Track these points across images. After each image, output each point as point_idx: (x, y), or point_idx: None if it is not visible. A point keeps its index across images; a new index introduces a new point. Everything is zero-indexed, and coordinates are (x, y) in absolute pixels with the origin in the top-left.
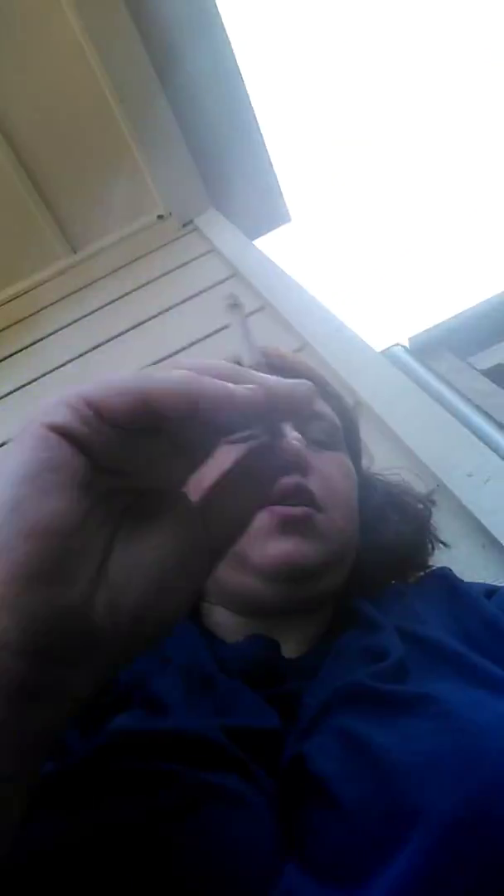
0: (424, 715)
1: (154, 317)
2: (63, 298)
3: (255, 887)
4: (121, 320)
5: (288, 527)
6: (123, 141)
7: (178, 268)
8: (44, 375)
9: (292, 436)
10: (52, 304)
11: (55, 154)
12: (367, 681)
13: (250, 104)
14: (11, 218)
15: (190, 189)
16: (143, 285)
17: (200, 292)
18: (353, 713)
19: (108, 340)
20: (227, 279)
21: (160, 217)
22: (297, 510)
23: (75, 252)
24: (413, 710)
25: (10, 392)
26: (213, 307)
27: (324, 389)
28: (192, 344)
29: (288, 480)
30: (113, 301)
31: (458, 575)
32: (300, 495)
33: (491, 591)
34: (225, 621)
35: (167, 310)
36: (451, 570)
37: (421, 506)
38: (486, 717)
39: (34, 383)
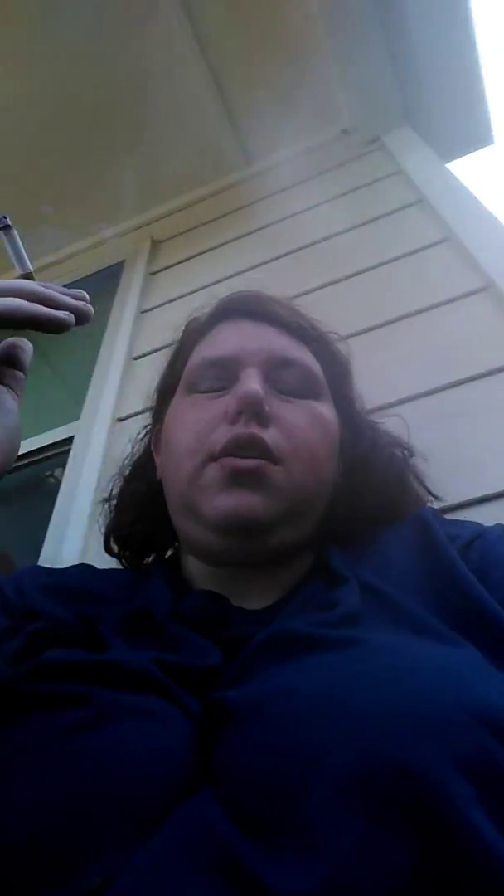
0: (345, 655)
1: (326, 238)
2: (232, 212)
3: (163, 794)
4: (290, 239)
5: (237, 479)
6: (314, 40)
7: (356, 189)
8: (204, 288)
9: (248, 384)
10: (220, 218)
11: (240, 52)
12: (303, 626)
13: (468, 3)
14: (188, 122)
15: (382, 102)
16: (317, 205)
17: (379, 217)
18: (281, 656)
19: (276, 258)
20: (411, 205)
21: (344, 132)
22: (247, 462)
23: (249, 164)
24: (336, 651)
25: (173, 300)
26: (391, 234)
27: (304, 333)
28: (364, 271)
29: (243, 431)
30: (284, 219)
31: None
32: (254, 447)
33: (475, 536)
34: (196, 571)
35: (340, 233)
36: (433, 512)
37: (408, 455)
38: (408, 662)
39: (193, 294)
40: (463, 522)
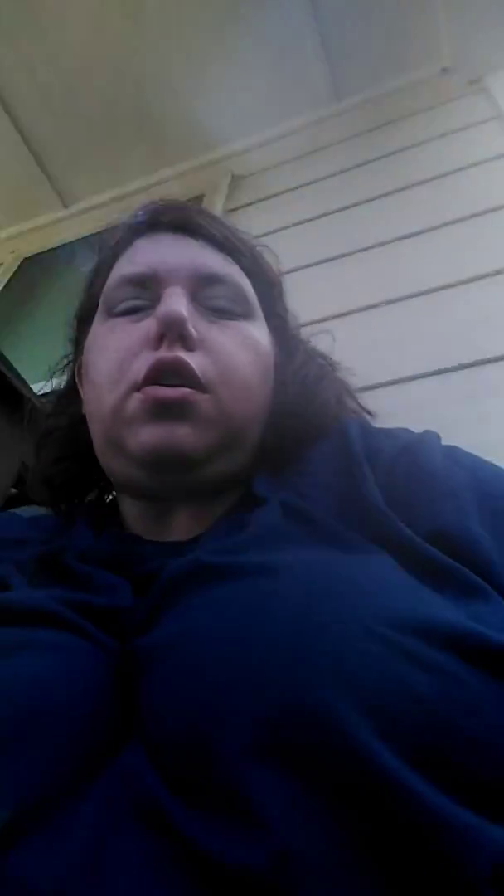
0: (252, 585)
1: (413, 185)
2: (317, 151)
3: (70, 715)
4: (381, 181)
5: (162, 410)
6: None
7: (451, 132)
8: (283, 229)
9: (170, 304)
10: (305, 156)
11: None
12: (207, 556)
13: None
14: (281, 50)
15: (488, 39)
16: (410, 147)
17: (473, 165)
18: (188, 590)
19: (359, 203)
20: None
21: (444, 70)
22: (172, 392)
23: (339, 100)
24: (243, 580)
25: (257, 237)
26: (483, 184)
27: (233, 247)
28: (452, 222)
29: (166, 355)
30: (376, 159)
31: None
32: (179, 374)
33: (401, 450)
34: (128, 510)
35: (429, 180)
36: (359, 424)
37: (340, 374)
38: (317, 586)
39: (270, 236)
40: (391, 431)
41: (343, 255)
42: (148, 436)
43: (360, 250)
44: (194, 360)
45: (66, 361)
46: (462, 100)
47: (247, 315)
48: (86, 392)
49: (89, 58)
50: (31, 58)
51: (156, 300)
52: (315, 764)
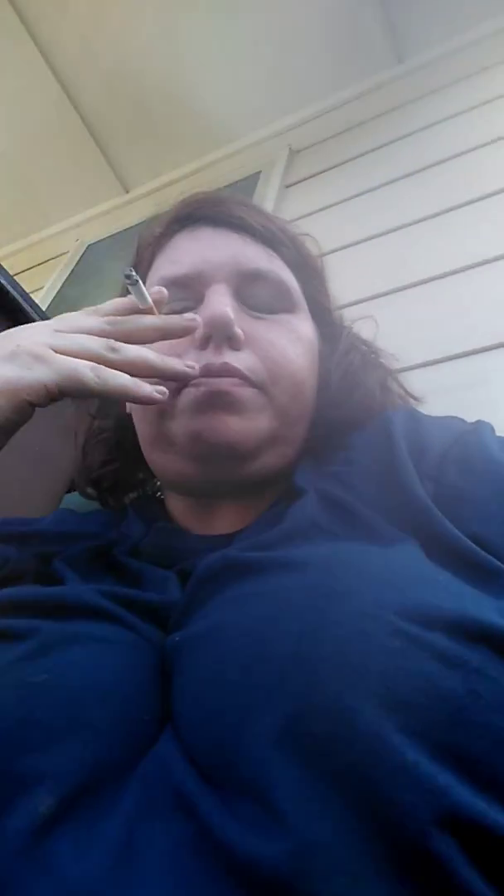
0: (278, 582)
1: (487, 144)
2: (377, 117)
3: (109, 707)
4: (447, 143)
5: (212, 400)
6: None
7: None
8: (342, 202)
9: (215, 305)
10: (364, 123)
11: None
12: (236, 552)
13: None
14: (335, 14)
15: None
16: (478, 105)
17: None
18: (220, 585)
19: (424, 168)
20: None
21: None
22: (222, 382)
23: (401, 61)
24: (271, 576)
25: (306, 215)
26: None
27: (273, 238)
28: None
29: (213, 361)
30: (436, 123)
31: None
32: (227, 374)
33: (452, 443)
34: (175, 506)
35: (499, 139)
36: (406, 413)
37: (385, 362)
38: (343, 583)
39: (329, 209)
40: (443, 421)
41: (414, 223)
42: (198, 425)
43: (429, 217)
44: (242, 361)
45: None
46: None
47: (291, 308)
48: None
49: (145, 42)
50: (94, 45)
51: (199, 299)
52: (337, 761)
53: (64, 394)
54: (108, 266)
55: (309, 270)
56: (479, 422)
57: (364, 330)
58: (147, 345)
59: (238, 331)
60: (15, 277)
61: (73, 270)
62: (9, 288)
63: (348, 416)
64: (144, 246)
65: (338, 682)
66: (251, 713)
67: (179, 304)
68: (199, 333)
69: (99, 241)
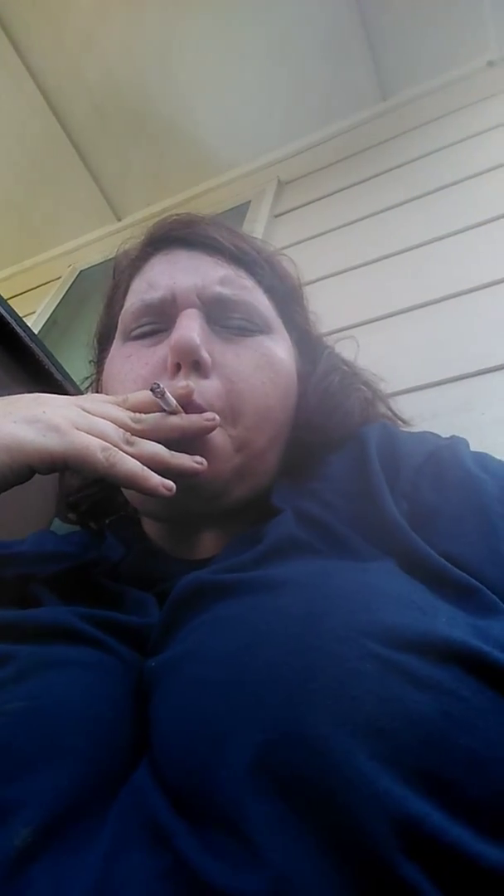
0: (253, 605)
1: (464, 179)
2: (363, 151)
3: (95, 746)
4: (425, 180)
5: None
6: None
7: (500, 126)
8: (330, 231)
9: (182, 331)
10: (351, 156)
11: None
12: (209, 575)
13: None
14: (323, 52)
15: None
16: (460, 141)
17: None
18: (195, 608)
19: (408, 200)
20: None
21: (490, 63)
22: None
23: (385, 99)
24: (246, 598)
25: (295, 243)
26: None
27: (247, 258)
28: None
29: (181, 390)
30: (419, 157)
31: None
32: (191, 409)
33: (424, 461)
34: (151, 529)
35: (481, 173)
36: (381, 428)
37: (370, 382)
38: (318, 605)
39: (317, 239)
40: (418, 436)
41: (399, 253)
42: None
43: (412, 247)
44: (207, 389)
45: (88, 383)
46: None
47: (265, 330)
48: None
49: (139, 73)
50: (87, 74)
51: (171, 323)
52: (311, 791)
53: (69, 466)
54: (99, 291)
55: (285, 290)
56: (453, 437)
57: (346, 351)
58: (118, 367)
59: (205, 356)
60: (8, 301)
61: (65, 295)
62: (2, 311)
63: (326, 438)
64: (121, 269)
65: (310, 710)
66: (224, 742)
67: (149, 328)
68: (169, 360)
69: (91, 267)
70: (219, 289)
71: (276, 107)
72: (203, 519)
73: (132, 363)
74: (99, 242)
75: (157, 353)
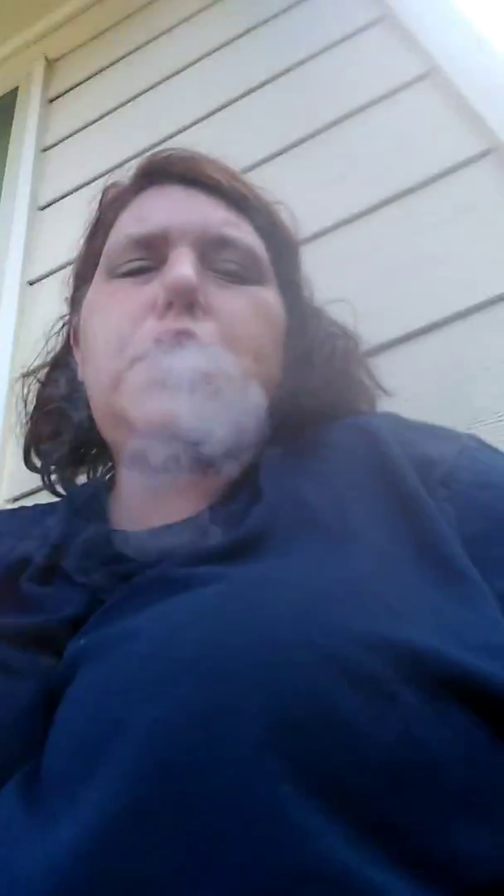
0: (200, 594)
1: (233, 39)
2: (138, 12)
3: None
4: (201, 40)
5: (166, 380)
6: None
7: None
8: (113, 111)
9: (178, 268)
10: (125, 20)
11: None
12: (166, 569)
13: None
14: None
15: None
16: None
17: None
18: (142, 598)
19: (187, 66)
20: None
21: None
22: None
23: None
24: (195, 590)
25: (77, 131)
26: (314, 19)
27: (246, 204)
28: (282, 73)
29: (172, 325)
30: (197, 13)
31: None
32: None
33: (463, 450)
34: (124, 486)
35: (256, 26)
36: (389, 422)
37: (355, 348)
38: (263, 599)
39: (100, 121)
40: (434, 430)
41: (196, 122)
42: (152, 406)
43: (210, 113)
44: (203, 330)
45: (61, 323)
46: None
47: (259, 279)
48: (83, 358)
49: None
50: None
51: (162, 261)
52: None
53: None
54: None
55: (281, 242)
56: (472, 435)
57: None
58: (103, 305)
59: (201, 297)
60: None
61: None
62: None
63: (328, 407)
64: (108, 202)
65: (229, 709)
66: (125, 720)
67: (138, 264)
68: (160, 299)
69: None
70: (215, 230)
71: None
72: (182, 468)
73: (118, 300)
74: None
75: (145, 292)
